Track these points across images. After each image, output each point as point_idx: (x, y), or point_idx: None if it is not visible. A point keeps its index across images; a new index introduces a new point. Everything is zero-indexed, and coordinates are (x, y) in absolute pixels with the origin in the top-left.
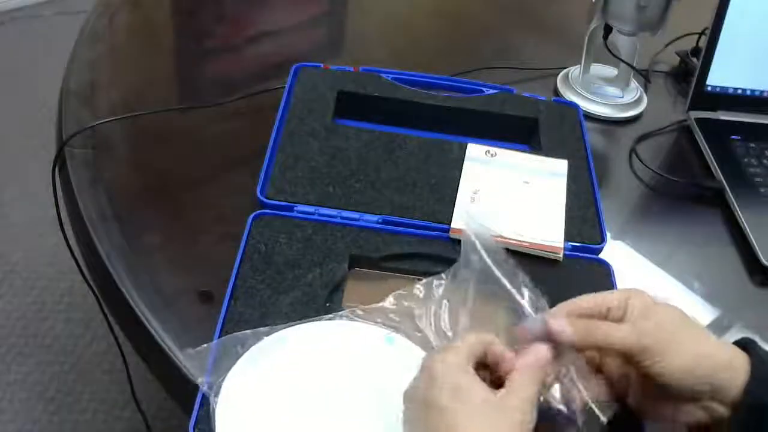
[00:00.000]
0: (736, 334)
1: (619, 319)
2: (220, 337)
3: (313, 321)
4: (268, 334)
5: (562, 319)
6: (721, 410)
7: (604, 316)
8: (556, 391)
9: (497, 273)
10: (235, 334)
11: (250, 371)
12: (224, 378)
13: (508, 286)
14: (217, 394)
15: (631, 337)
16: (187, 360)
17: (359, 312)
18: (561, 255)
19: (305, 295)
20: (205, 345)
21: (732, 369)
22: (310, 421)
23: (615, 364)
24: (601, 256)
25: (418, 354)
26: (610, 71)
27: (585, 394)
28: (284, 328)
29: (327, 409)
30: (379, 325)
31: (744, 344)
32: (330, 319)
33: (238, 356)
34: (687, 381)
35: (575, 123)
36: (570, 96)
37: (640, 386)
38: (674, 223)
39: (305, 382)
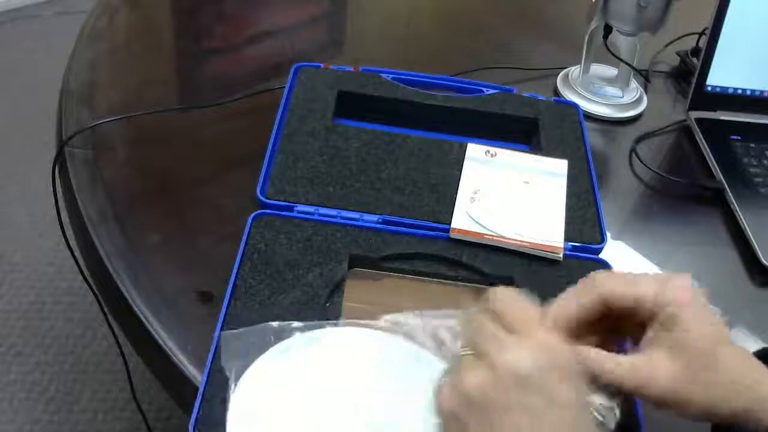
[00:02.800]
0: (736, 335)
1: (646, 321)
2: (218, 337)
3: (348, 326)
4: (302, 330)
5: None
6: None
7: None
8: None
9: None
10: (270, 324)
11: (276, 364)
12: (248, 366)
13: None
14: (236, 381)
15: (631, 380)
16: (223, 341)
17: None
18: (561, 255)
19: (305, 295)
20: (241, 329)
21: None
22: (324, 425)
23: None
24: (601, 256)
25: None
26: (610, 71)
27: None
28: (318, 327)
29: (344, 416)
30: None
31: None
32: (364, 326)
33: (267, 346)
34: (713, 415)
35: (575, 123)
36: (570, 96)
37: None
38: (674, 223)
39: (328, 385)
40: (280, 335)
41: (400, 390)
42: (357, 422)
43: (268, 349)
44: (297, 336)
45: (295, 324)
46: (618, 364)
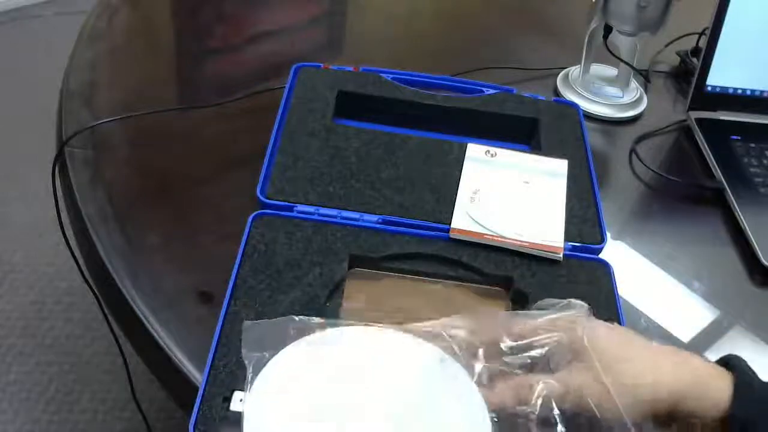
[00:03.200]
0: (736, 335)
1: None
2: (219, 336)
3: (372, 326)
4: (322, 327)
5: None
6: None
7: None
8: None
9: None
10: (292, 317)
11: (297, 358)
12: (269, 357)
13: None
14: (257, 372)
15: (559, 390)
16: (245, 331)
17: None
18: (561, 255)
19: (305, 295)
20: (263, 321)
21: (701, 391)
22: (343, 420)
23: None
24: (601, 256)
25: (464, 381)
26: (610, 71)
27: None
28: (343, 325)
29: (364, 412)
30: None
31: (726, 361)
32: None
33: (288, 339)
34: (646, 411)
35: (575, 123)
36: (570, 96)
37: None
38: (674, 223)
39: (349, 381)
40: (302, 330)
41: (423, 391)
42: (377, 417)
43: (288, 343)
44: (320, 332)
45: (317, 320)
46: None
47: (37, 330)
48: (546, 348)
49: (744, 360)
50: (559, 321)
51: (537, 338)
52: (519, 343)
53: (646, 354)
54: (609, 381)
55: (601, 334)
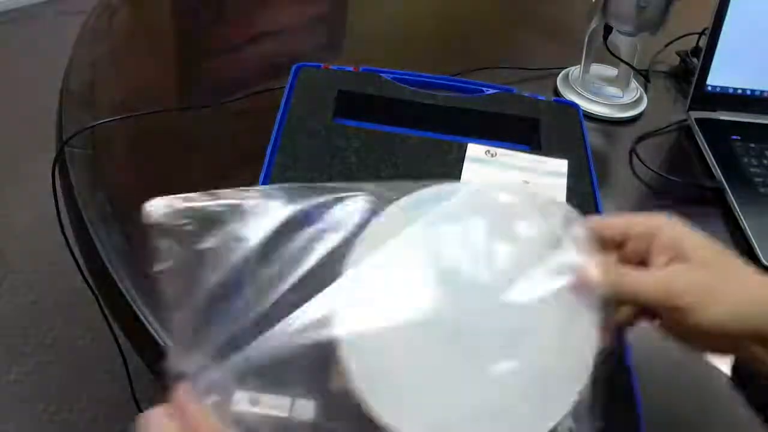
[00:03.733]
0: None
1: (642, 255)
2: None
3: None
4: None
5: (593, 267)
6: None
7: (619, 245)
8: None
9: None
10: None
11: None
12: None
13: None
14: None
15: (657, 289)
16: None
17: None
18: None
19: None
20: None
21: None
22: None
23: None
24: None
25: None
26: (610, 71)
27: None
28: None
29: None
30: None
31: None
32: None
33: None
34: (728, 330)
35: (575, 123)
36: (570, 96)
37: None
38: None
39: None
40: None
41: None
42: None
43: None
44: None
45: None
46: (643, 277)
47: (37, 330)
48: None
49: None
50: (638, 225)
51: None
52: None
53: (740, 266)
54: (723, 282)
55: (697, 237)
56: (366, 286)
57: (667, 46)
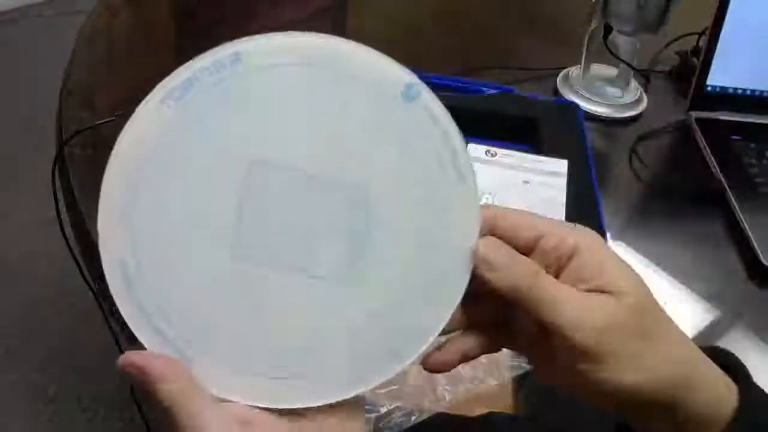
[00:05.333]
0: (736, 335)
1: (553, 272)
2: None
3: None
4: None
5: (497, 246)
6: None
7: (526, 249)
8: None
9: None
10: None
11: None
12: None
13: None
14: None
15: (580, 319)
16: None
17: None
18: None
19: None
20: None
21: (709, 390)
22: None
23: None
24: None
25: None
26: (610, 71)
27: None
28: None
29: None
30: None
31: (721, 355)
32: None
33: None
34: (643, 393)
35: (575, 123)
36: (570, 96)
37: (547, 350)
38: (674, 223)
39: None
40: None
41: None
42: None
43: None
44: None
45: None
46: (566, 292)
47: (37, 330)
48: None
49: (736, 358)
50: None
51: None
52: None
53: (666, 319)
54: (644, 325)
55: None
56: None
57: (667, 46)
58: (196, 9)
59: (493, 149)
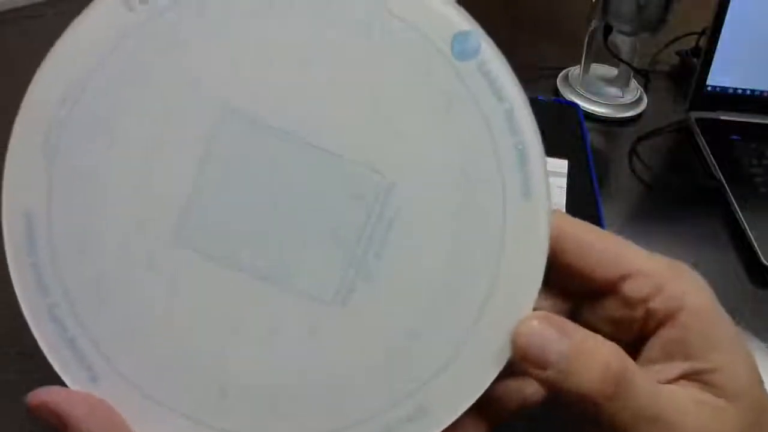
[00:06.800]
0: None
1: (615, 325)
2: None
3: None
4: None
5: (548, 330)
6: None
7: (601, 291)
8: None
9: None
10: None
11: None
12: None
13: None
14: None
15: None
16: None
17: None
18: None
19: None
20: None
21: None
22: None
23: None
24: None
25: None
26: (610, 71)
27: None
28: None
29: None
30: None
31: None
32: None
33: None
34: None
35: (575, 123)
36: (570, 96)
37: None
38: (674, 223)
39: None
40: None
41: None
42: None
43: None
44: None
45: None
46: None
47: None
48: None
49: None
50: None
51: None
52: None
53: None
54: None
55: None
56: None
57: (667, 46)
58: None
59: None
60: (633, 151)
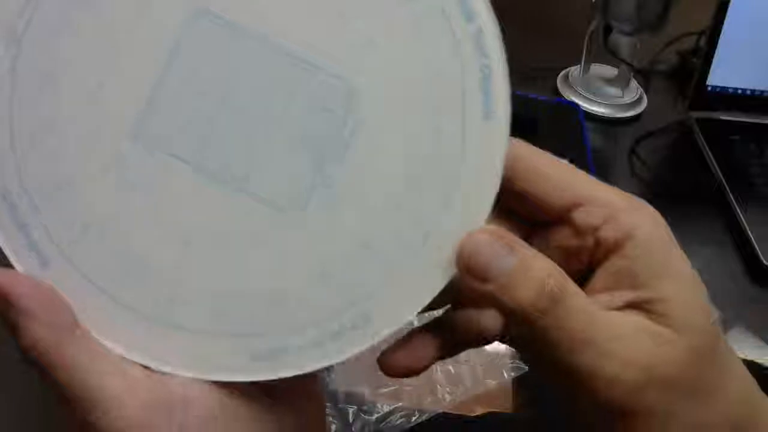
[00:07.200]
0: (736, 335)
1: (574, 253)
2: None
3: None
4: None
5: (490, 244)
6: None
7: (555, 219)
8: None
9: None
10: None
11: None
12: None
13: None
14: None
15: (603, 382)
16: None
17: None
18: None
19: None
20: None
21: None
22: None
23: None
24: None
25: None
26: (610, 71)
27: None
28: None
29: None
30: None
31: None
32: None
33: None
34: None
35: (575, 123)
36: (570, 96)
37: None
38: (674, 223)
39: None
40: None
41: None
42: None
43: None
44: None
45: None
46: (607, 319)
47: None
48: None
49: None
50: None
51: None
52: None
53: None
54: (708, 364)
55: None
56: None
57: (667, 46)
58: None
59: None
60: (633, 151)
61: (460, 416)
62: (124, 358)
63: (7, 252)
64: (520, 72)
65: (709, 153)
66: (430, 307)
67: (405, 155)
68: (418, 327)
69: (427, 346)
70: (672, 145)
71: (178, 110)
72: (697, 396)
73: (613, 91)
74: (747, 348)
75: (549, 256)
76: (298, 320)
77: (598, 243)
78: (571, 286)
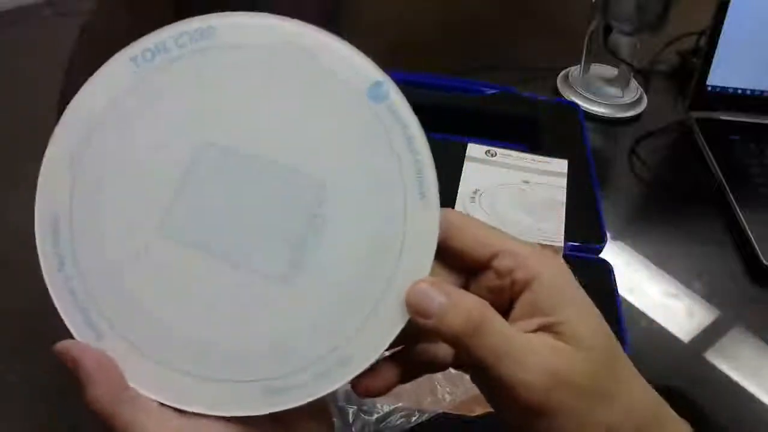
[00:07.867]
0: (736, 335)
1: (493, 295)
2: None
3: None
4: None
5: (428, 290)
6: None
7: (479, 268)
8: None
9: None
10: None
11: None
12: None
13: None
14: None
15: (535, 378)
16: None
17: None
18: (561, 255)
19: None
20: None
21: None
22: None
23: None
24: (601, 256)
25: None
26: (610, 71)
27: None
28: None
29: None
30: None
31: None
32: None
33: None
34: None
35: (575, 123)
36: (570, 96)
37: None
38: (674, 223)
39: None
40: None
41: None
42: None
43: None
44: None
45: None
46: (523, 341)
47: (37, 330)
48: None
49: None
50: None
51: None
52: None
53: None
54: (605, 371)
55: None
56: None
57: (667, 46)
58: (196, 9)
59: (493, 149)
60: (633, 151)
61: (460, 416)
62: (162, 404)
63: (72, 329)
64: (520, 72)
65: (709, 153)
66: (394, 344)
67: (365, 233)
68: (385, 358)
69: (390, 373)
70: (672, 145)
71: (193, 215)
72: (598, 399)
73: (613, 91)
74: (747, 348)
75: (480, 295)
76: (298, 364)
77: (513, 283)
78: (491, 314)
